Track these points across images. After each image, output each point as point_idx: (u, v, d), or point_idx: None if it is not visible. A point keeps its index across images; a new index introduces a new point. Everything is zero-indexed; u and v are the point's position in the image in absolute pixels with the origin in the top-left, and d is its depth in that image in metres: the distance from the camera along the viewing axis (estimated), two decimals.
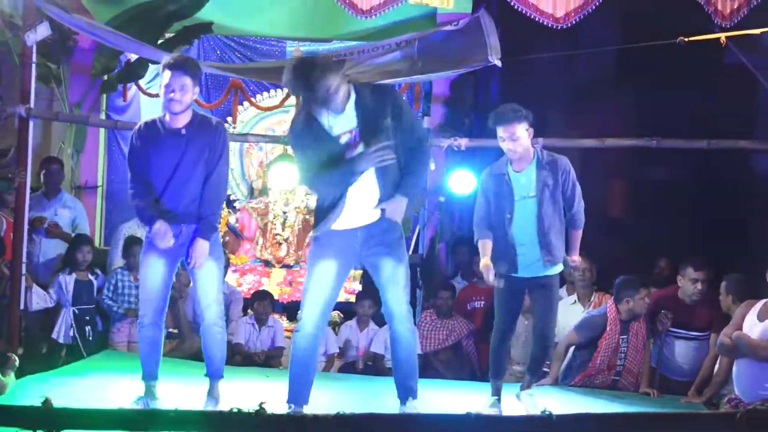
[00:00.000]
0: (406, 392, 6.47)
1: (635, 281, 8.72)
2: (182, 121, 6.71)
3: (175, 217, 6.73)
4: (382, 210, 6.29)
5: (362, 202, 6.32)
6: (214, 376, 6.98)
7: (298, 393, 6.44)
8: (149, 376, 6.92)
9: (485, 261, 7.16)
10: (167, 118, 6.73)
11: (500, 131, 7.03)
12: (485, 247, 7.19)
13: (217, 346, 6.97)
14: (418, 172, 6.50)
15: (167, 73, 6.60)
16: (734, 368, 7.54)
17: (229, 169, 7.08)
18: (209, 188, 6.76)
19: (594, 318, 8.80)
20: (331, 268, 6.40)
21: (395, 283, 6.40)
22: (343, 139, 6.28)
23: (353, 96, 6.29)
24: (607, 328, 8.62)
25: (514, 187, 7.03)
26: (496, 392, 7.24)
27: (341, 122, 6.29)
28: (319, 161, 6.29)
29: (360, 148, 6.23)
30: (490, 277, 7.14)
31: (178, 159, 6.67)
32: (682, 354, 8.85)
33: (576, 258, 7.32)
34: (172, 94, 6.58)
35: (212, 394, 6.94)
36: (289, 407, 6.37)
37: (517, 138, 6.95)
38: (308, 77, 6.06)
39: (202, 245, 6.73)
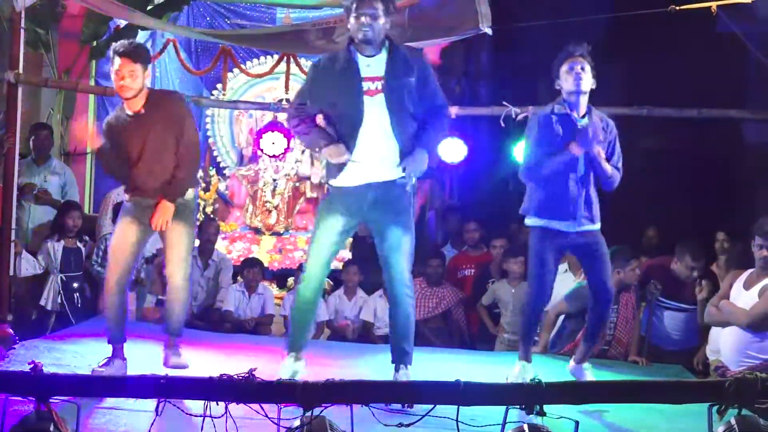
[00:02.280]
0: (400, 356, 6.48)
1: (626, 252, 8.70)
2: (139, 103, 6.81)
3: (151, 193, 6.86)
4: (404, 167, 6.33)
5: (375, 156, 6.38)
6: (172, 333, 7.16)
7: (298, 341, 6.59)
8: (117, 340, 7.03)
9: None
10: (125, 104, 6.86)
11: (570, 62, 6.85)
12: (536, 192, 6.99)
13: (179, 307, 7.14)
14: (436, 132, 6.56)
15: (117, 60, 6.72)
16: (721, 336, 7.57)
17: (195, 132, 7.13)
18: (179, 155, 6.88)
19: (584, 288, 8.72)
20: (337, 224, 6.49)
21: (399, 251, 6.45)
22: (367, 85, 6.35)
23: (387, 45, 6.44)
24: None
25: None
26: (525, 357, 7.08)
27: (373, 65, 6.39)
28: (337, 97, 6.43)
29: (381, 99, 6.32)
30: None
31: (144, 139, 6.81)
32: (672, 324, 8.88)
33: None
34: (122, 81, 6.71)
35: (171, 346, 7.13)
36: (290, 355, 6.52)
37: (587, 70, 6.82)
38: None
39: (163, 207, 6.83)
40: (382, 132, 6.33)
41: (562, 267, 9.37)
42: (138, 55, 6.75)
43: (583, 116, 6.87)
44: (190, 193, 7.01)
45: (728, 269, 8.66)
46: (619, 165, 7.01)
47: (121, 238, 6.95)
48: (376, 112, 6.32)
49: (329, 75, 6.44)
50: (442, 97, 6.67)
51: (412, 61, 6.48)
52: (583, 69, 6.80)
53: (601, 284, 7.03)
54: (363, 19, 6.27)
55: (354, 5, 6.31)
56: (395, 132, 6.32)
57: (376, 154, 6.36)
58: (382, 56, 6.40)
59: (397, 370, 6.48)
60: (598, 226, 6.95)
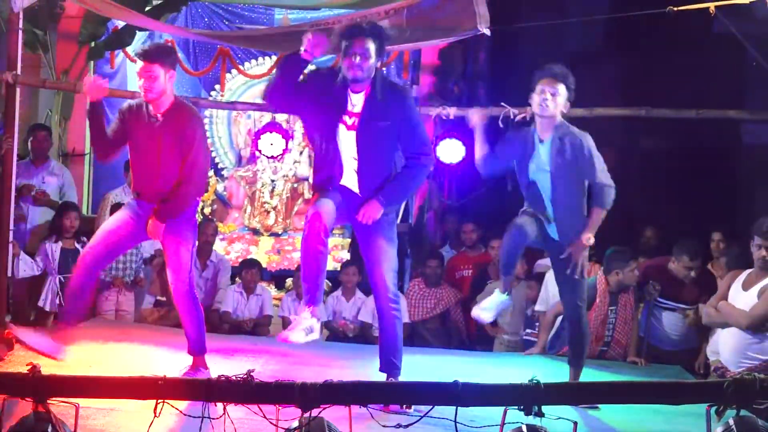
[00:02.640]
0: (389, 368, 6.48)
1: (625, 253, 8.70)
2: (162, 106, 6.76)
3: (148, 197, 6.80)
4: (358, 215, 6.34)
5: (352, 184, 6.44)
6: (192, 353, 7.00)
7: (314, 293, 6.42)
8: (65, 318, 7.11)
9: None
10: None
11: (542, 85, 6.83)
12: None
13: (187, 325, 6.98)
14: (405, 183, 6.54)
15: (139, 63, 6.71)
16: (720, 337, 7.56)
17: (204, 158, 7.02)
18: (182, 175, 6.78)
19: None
20: (331, 204, 6.33)
21: (382, 264, 6.42)
22: (345, 119, 6.34)
23: (372, 82, 6.34)
24: (596, 300, 8.60)
25: (537, 153, 6.88)
26: (507, 289, 7.19)
27: (357, 101, 6.35)
28: (320, 120, 6.42)
29: (351, 136, 6.32)
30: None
31: (153, 143, 6.74)
32: (670, 324, 8.86)
33: (588, 236, 6.85)
34: (141, 82, 6.69)
35: (192, 366, 6.94)
36: (309, 309, 6.37)
37: (556, 96, 6.78)
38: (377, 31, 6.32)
39: (153, 225, 6.77)
40: (352, 167, 6.41)
41: None
42: (154, 55, 6.69)
43: (542, 141, 6.87)
44: None
45: (724, 269, 8.67)
46: (605, 179, 6.88)
47: (113, 223, 6.95)
48: (350, 147, 6.37)
49: (320, 89, 6.41)
50: (422, 140, 6.57)
51: (394, 100, 6.41)
52: (553, 94, 6.77)
53: (572, 303, 7.08)
54: (354, 59, 6.22)
55: (345, 44, 6.25)
56: (359, 172, 6.38)
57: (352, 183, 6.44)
58: (364, 93, 6.36)
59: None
60: None
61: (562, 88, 6.80)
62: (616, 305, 8.65)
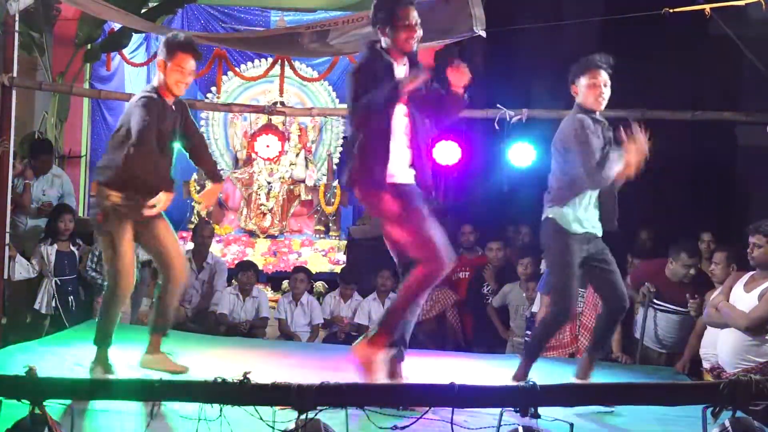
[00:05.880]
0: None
1: None
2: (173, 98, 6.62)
3: (154, 190, 6.48)
4: None
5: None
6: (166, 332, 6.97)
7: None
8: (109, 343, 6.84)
9: None
10: (164, 94, 6.51)
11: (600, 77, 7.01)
12: None
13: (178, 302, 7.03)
14: None
15: (183, 56, 6.41)
16: (719, 338, 7.55)
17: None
18: (203, 146, 7.12)
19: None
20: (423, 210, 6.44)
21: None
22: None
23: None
24: None
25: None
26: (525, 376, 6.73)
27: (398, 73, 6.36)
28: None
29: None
30: None
31: (172, 134, 6.60)
32: (665, 327, 8.84)
33: None
34: (183, 78, 6.46)
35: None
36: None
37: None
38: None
39: (214, 188, 7.07)
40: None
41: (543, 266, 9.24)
42: (196, 47, 6.57)
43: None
44: None
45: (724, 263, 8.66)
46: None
47: (130, 250, 6.61)
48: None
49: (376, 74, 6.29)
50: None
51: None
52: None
53: (623, 295, 6.88)
54: (412, 32, 6.35)
55: (396, 15, 6.29)
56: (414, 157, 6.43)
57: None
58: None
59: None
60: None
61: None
62: (584, 289, 8.50)
